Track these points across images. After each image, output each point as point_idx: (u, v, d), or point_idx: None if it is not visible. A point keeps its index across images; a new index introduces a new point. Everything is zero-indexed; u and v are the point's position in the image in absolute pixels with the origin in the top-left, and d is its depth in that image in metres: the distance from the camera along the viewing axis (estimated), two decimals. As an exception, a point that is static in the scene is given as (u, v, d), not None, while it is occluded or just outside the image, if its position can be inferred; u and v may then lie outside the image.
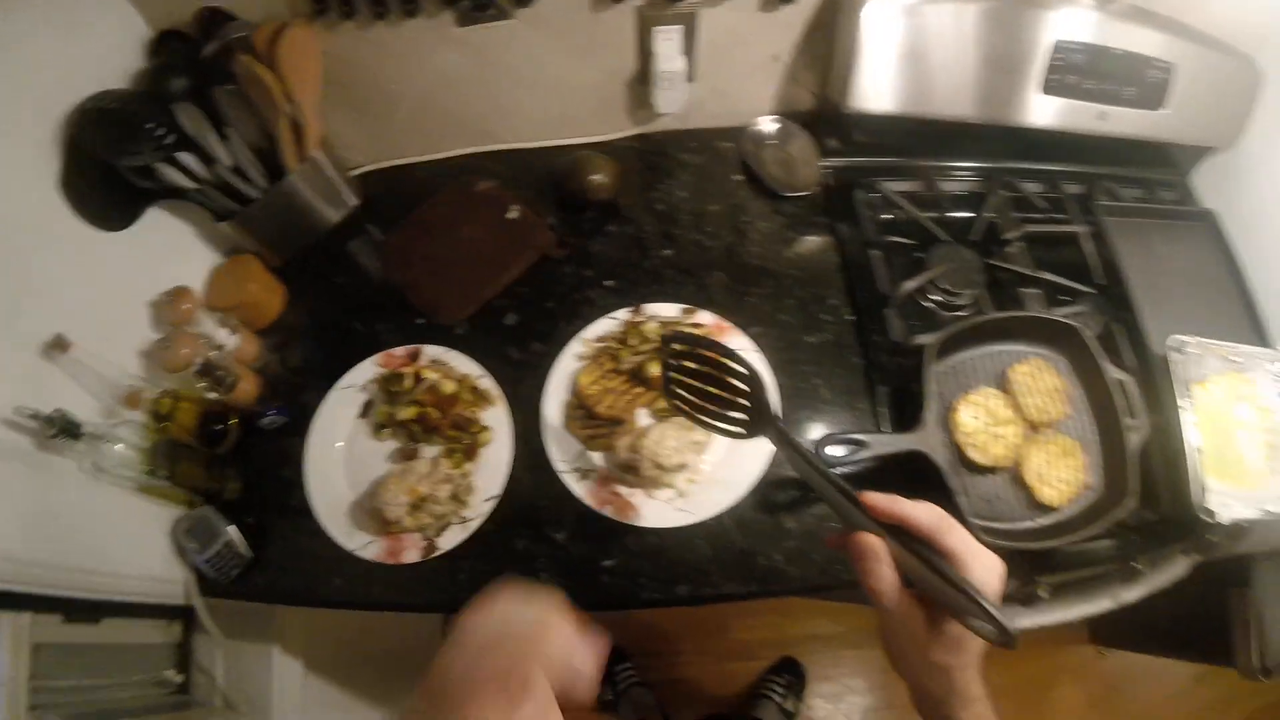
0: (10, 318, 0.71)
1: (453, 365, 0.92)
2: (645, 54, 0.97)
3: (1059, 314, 0.99)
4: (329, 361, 0.95)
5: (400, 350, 0.94)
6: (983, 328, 0.93)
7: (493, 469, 0.87)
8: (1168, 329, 0.93)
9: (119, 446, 0.77)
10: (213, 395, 0.89)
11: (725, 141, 1.04)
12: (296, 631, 1.03)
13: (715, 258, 0.96)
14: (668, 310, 0.91)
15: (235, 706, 0.95)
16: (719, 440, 0.87)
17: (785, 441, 0.53)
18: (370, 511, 0.86)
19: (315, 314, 1.00)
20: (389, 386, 0.91)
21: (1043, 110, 1.01)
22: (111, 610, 0.78)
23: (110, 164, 0.81)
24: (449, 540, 0.85)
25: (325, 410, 0.93)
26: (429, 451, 0.89)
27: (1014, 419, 0.88)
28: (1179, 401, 0.89)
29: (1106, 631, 1.68)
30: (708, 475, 0.85)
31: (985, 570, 0.43)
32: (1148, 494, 0.86)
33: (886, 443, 0.79)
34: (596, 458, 0.86)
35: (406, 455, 0.89)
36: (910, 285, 0.94)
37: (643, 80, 0.99)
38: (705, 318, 0.91)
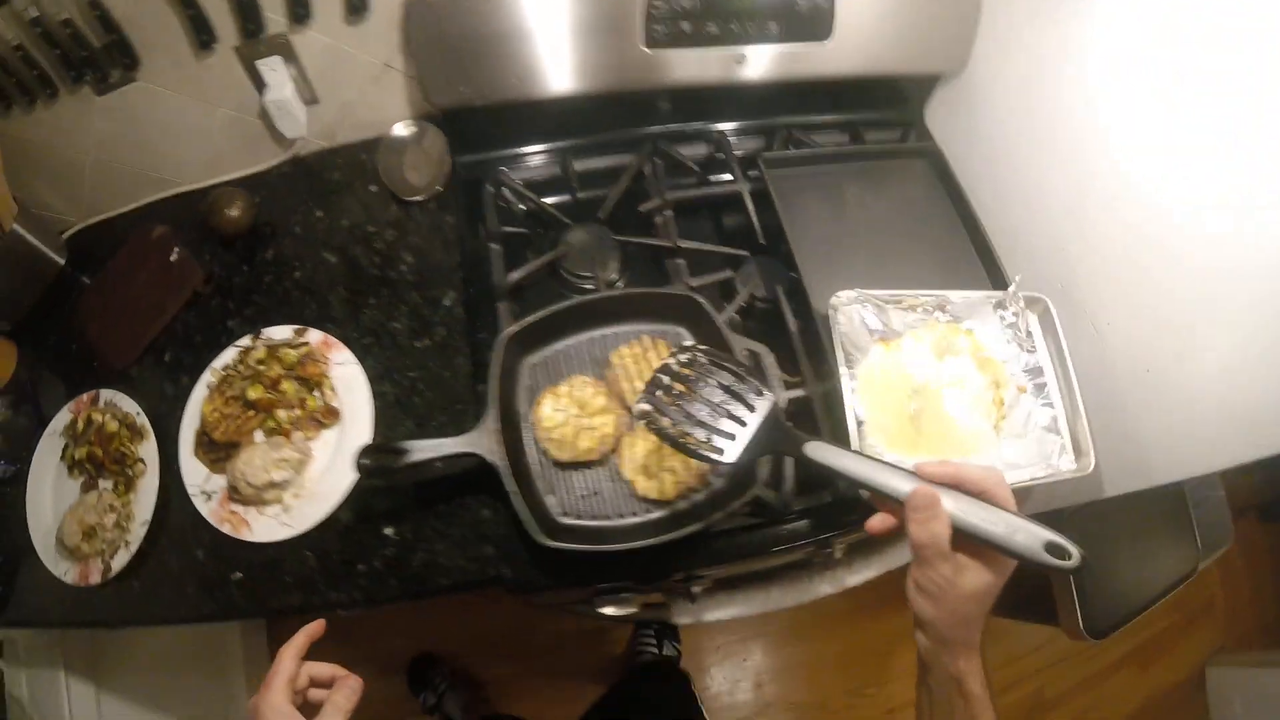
0: None
1: (120, 406, 1.01)
2: (261, 86, 1.00)
3: (694, 284, 0.95)
4: (52, 411, 1.07)
5: (85, 396, 1.04)
6: (588, 310, 0.90)
7: (147, 497, 0.96)
8: (857, 284, 0.86)
9: None
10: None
11: (366, 154, 1.06)
12: (82, 655, 1.18)
13: (339, 274, 0.99)
14: (281, 333, 0.96)
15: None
16: (318, 457, 0.91)
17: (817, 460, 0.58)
18: (58, 541, 0.97)
19: (41, 369, 1.12)
20: (73, 430, 1.02)
21: (662, 66, 0.95)
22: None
23: None
24: (119, 562, 0.95)
25: (37, 457, 1.04)
26: (105, 485, 0.99)
27: (612, 407, 0.86)
28: (840, 369, 0.84)
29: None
30: (309, 490, 0.90)
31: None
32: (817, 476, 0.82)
33: (430, 448, 0.80)
34: (219, 480, 0.93)
35: (87, 490, 1.00)
36: (516, 275, 0.93)
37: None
38: (313, 336, 0.95)
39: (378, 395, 0.92)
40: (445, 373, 0.92)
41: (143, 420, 0.99)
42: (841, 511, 0.85)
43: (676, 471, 0.83)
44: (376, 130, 1.06)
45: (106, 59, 0.92)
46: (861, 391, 0.83)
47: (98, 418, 1.01)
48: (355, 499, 0.88)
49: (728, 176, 1.01)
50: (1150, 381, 0.81)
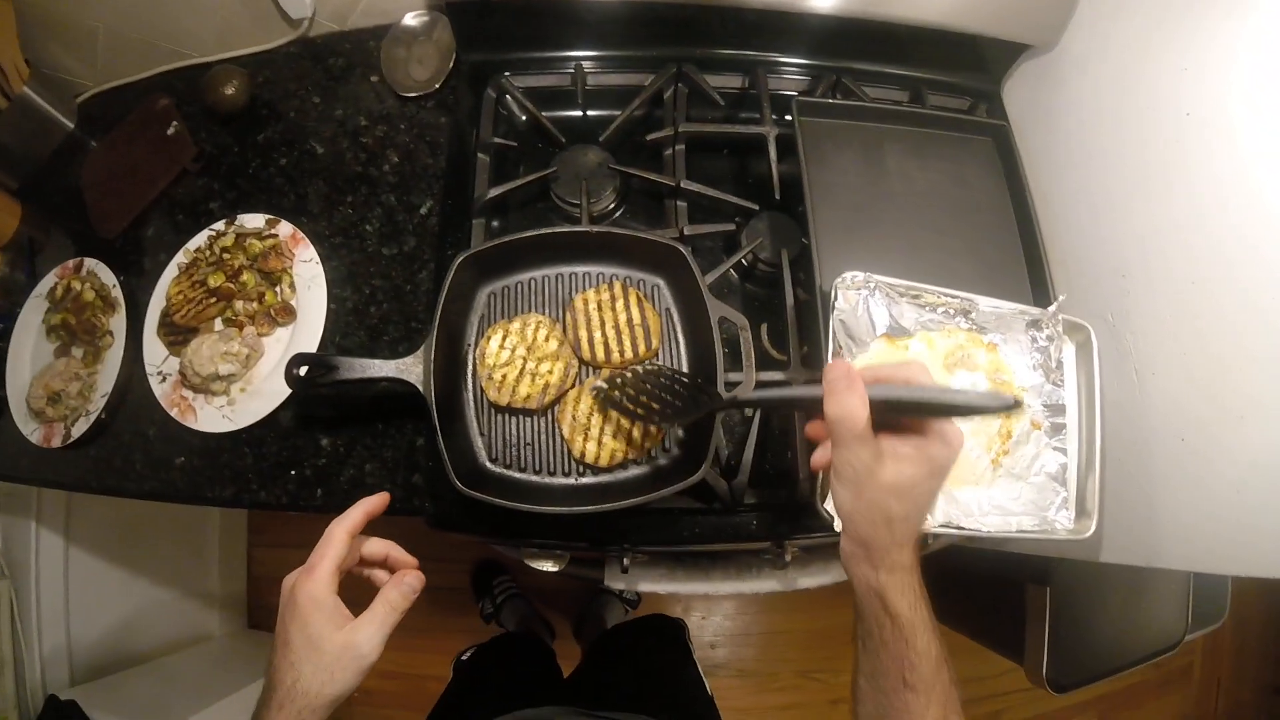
0: None
1: (99, 276, 0.99)
2: (273, -43, 0.93)
3: (691, 232, 0.84)
4: (44, 272, 1.07)
5: (71, 262, 1.03)
6: (560, 242, 0.80)
7: (111, 369, 0.94)
8: (874, 265, 0.75)
9: None
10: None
11: (374, 41, 0.98)
12: (57, 510, 1.20)
13: (323, 165, 0.93)
14: (254, 221, 0.91)
15: (4, 572, 1.15)
16: (269, 353, 0.87)
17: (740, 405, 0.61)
18: (26, 402, 0.97)
19: (44, 228, 1.12)
20: (54, 295, 1.01)
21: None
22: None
23: None
24: (79, 429, 0.94)
25: (22, 316, 1.04)
26: (76, 353, 0.99)
27: (562, 354, 0.77)
28: (828, 360, 0.73)
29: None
30: (255, 387, 0.86)
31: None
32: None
33: (360, 368, 0.73)
34: (175, 363, 0.90)
35: (60, 355, 1.00)
36: (497, 190, 0.84)
37: (279, -14, 0.96)
38: (284, 229, 0.90)
39: (337, 300, 0.86)
40: (407, 286, 0.86)
41: (117, 293, 0.97)
42: (795, 514, 0.75)
43: (617, 439, 0.74)
44: (389, 18, 0.98)
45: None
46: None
47: (76, 286, 0.99)
48: (297, 402, 0.84)
49: (755, 115, 0.88)
50: (1183, 452, 0.67)
